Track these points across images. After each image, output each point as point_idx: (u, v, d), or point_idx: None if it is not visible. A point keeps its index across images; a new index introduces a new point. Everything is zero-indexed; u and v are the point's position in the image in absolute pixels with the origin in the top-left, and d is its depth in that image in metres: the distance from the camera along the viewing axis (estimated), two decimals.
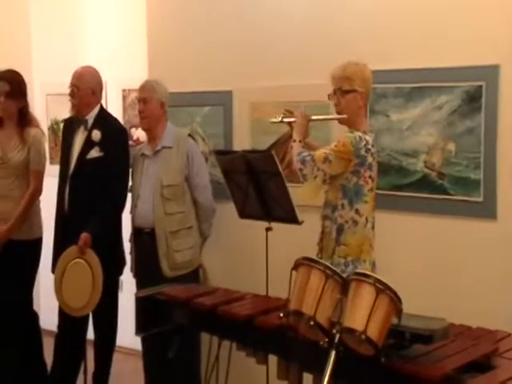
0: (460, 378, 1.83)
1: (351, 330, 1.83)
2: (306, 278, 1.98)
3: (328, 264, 2.01)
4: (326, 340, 1.91)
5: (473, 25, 2.96)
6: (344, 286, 1.94)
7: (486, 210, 2.97)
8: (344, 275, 1.99)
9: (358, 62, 2.82)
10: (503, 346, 2.10)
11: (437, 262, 3.10)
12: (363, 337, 1.81)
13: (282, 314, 2.06)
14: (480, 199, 2.99)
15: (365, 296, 1.85)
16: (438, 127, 3.08)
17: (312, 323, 1.92)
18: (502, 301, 2.91)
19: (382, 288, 1.84)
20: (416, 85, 3.14)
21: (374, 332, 1.81)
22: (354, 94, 2.79)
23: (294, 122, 2.92)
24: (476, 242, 2.99)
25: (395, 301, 1.84)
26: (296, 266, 2.06)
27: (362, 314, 1.82)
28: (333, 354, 1.86)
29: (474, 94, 2.98)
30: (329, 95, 2.86)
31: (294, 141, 2.84)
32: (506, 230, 2.93)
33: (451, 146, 3.05)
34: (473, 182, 3.00)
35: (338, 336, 1.87)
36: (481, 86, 2.96)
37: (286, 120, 2.97)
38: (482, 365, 1.95)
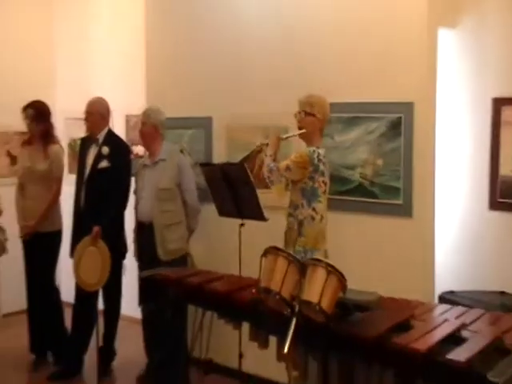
0: (389, 336, 1.85)
1: (308, 303, 1.83)
2: (274, 263, 1.97)
3: (290, 252, 2.01)
4: (289, 310, 1.91)
5: (396, 69, 3.01)
6: (302, 269, 1.95)
7: (405, 211, 3.01)
8: (302, 260, 2.00)
9: (320, 96, 2.83)
10: (418, 312, 2.14)
11: (369, 250, 3.14)
12: (317, 307, 1.81)
13: (254, 290, 2.06)
14: (400, 202, 3.04)
15: (318, 276, 1.85)
16: (369, 147, 3.12)
17: (278, 297, 1.91)
18: (417, 278, 2.97)
19: (331, 270, 1.84)
20: (353, 114, 3.17)
21: (325, 303, 1.82)
22: (313, 117, 2.80)
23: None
24: (398, 235, 3.04)
25: (341, 279, 1.85)
26: (265, 253, 2.04)
27: (317, 290, 1.83)
28: (294, 321, 1.86)
29: (395, 122, 3.02)
30: (295, 114, 2.87)
31: (266, 155, 2.84)
32: (419, 225, 2.99)
33: (380, 162, 3.10)
34: (395, 189, 3.04)
35: (297, 307, 1.88)
36: (400, 117, 3.01)
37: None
38: (405, 326, 1.98)
